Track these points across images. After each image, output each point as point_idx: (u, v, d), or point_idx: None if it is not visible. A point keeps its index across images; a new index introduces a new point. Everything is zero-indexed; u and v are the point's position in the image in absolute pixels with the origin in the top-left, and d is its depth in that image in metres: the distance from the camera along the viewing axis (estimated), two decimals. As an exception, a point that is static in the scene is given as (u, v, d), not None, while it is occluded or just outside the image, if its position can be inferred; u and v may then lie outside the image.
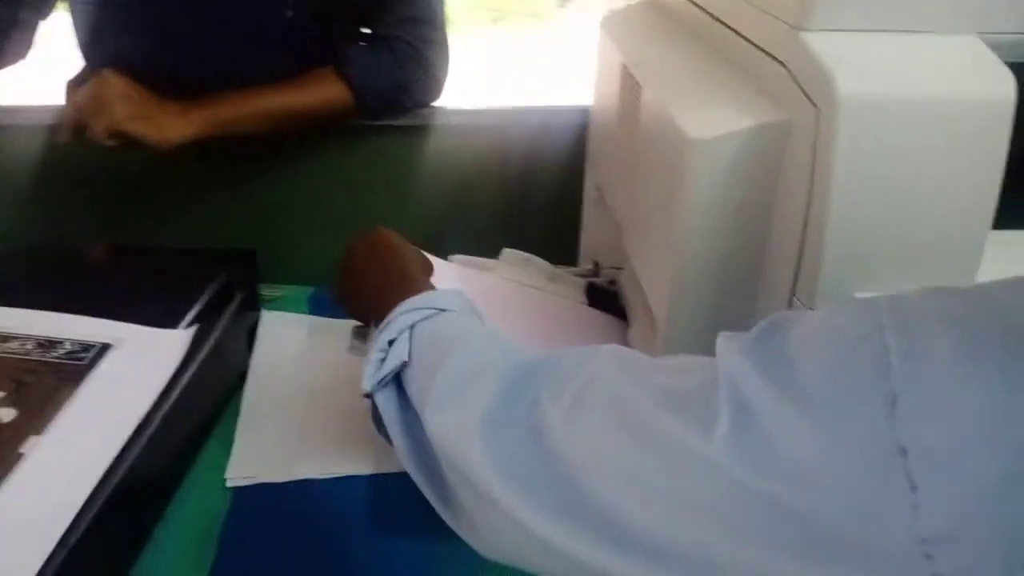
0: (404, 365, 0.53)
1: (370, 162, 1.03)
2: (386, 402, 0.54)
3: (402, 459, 0.54)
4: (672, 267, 0.55)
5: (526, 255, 0.87)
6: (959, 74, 0.45)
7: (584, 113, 0.94)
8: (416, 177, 1.03)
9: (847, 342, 0.32)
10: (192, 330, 0.76)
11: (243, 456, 0.79)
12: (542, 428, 0.40)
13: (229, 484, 0.76)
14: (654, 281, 0.62)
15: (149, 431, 0.67)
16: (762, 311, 0.54)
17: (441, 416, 0.48)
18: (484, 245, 0.95)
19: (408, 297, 0.57)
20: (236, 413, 0.84)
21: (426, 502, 0.74)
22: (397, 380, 0.55)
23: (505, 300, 0.82)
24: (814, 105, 0.46)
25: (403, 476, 0.76)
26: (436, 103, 1.03)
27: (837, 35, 0.46)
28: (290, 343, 0.94)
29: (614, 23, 0.75)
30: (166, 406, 0.70)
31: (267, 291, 1.03)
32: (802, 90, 0.47)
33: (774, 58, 0.51)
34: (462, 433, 0.44)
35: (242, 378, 0.89)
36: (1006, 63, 0.46)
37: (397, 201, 1.05)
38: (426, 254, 0.83)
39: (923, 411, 0.28)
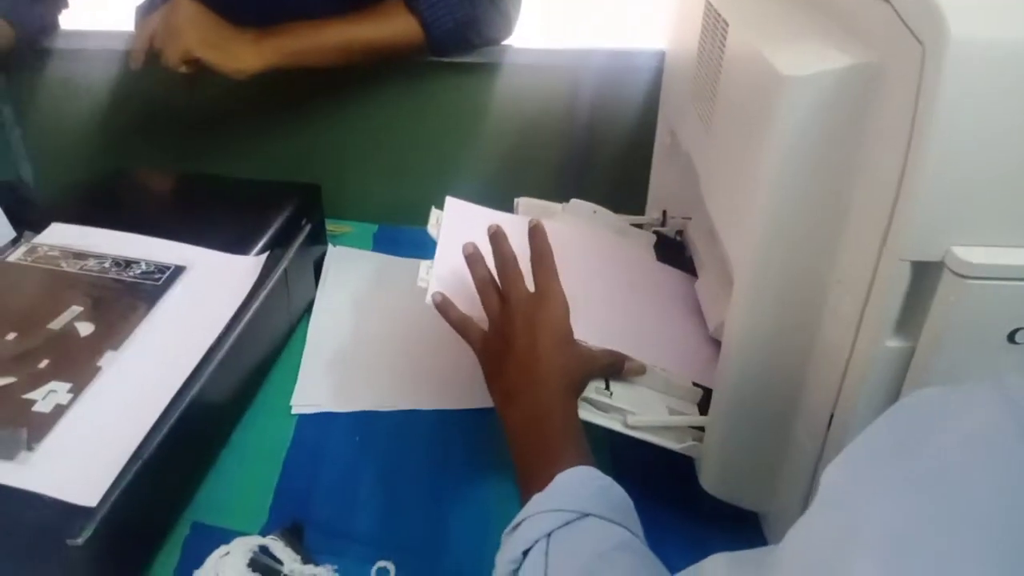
0: None
1: (438, 101, 1.02)
2: None
3: None
4: (756, 211, 0.53)
5: (594, 206, 0.86)
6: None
7: (659, 56, 0.91)
8: (484, 117, 1.02)
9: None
10: (263, 257, 0.77)
11: (308, 385, 0.81)
12: None
13: (294, 411, 0.78)
14: (733, 229, 0.60)
15: (220, 354, 0.69)
16: (848, 264, 0.52)
17: None
18: (550, 188, 0.94)
19: (554, 470, 0.52)
20: (302, 343, 0.86)
21: (481, 442, 0.75)
22: None
23: (571, 249, 0.81)
24: (919, 43, 0.43)
25: (460, 414, 0.78)
26: (506, 41, 1.01)
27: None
28: (355, 278, 0.95)
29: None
30: (236, 330, 0.72)
31: (334, 227, 1.04)
32: (907, 27, 0.44)
33: (877, -5, 0.48)
34: None
35: (309, 309, 0.90)
36: None
37: (464, 141, 1.04)
38: (495, 212, 0.82)
39: None
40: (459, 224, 0.79)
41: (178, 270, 0.73)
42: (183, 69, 0.89)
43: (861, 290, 0.50)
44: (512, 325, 0.62)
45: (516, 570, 0.49)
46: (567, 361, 0.61)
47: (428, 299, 0.68)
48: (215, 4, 0.91)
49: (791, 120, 0.49)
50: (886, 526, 0.29)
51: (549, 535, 0.49)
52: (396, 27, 0.95)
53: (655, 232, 0.90)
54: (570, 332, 0.63)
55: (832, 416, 0.55)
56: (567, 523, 0.49)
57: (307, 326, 0.88)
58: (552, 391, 0.59)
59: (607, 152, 1.02)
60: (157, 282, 0.72)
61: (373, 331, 0.88)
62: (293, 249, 0.83)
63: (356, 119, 1.05)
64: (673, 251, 0.87)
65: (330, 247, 0.99)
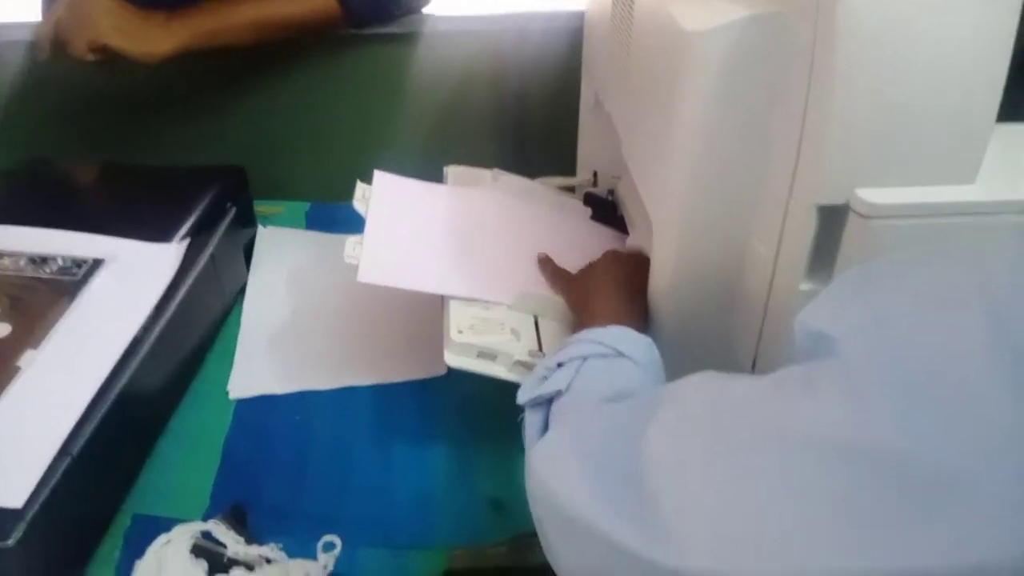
0: (559, 394, 0.52)
1: (362, 73, 1.00)
2: (532, 421, 0.53)
3: None
4: (671, 167, 0.53)
5: (521, 180, 0.86)
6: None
7: (579, 17, 0.91)
8: (408, 87, 1.00)
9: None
10: (185, 244, 0.75)
11: (244, 369, 0.80)
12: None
13: (232, 396, 0.77)
14: (652, 185, 0.61)
15: (147, 344, 0.68)
16: (763, 214, 0.53)
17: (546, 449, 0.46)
18: (480, 154, 0.94)
19: (603, 326, 0.55)
20: (237, 327, 0.85)
21: (421, 413, 0.75)
22: (548, 404, 0.53)
23: (503, 217, 0.81)
24: (812, -7, 0.44)
25: (399, 387, 0.78)
26: (425, 9, 0.99)
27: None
28: (288, 258, 0.94)
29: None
30: (163, 319, 0.70)
31: (265, 207, 1.02)
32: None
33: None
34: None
35: (242, 293, 0.89)
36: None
37: (390, 112, 1.02)
38: (424, 184, 0.82)
39: None
40: (388, 197, 0.79)
41: (97, 263, 0.72)
42: (91, 57, 0.86)
43: (774, 237, 0.51)
44: (600, 263, 0.69)
45: (545, 378, 0.53)
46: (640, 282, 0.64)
47: (360, 276, 0.68)
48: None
49: (698, 74, 0.49)
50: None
51: (585, 358, 0.53)
52: (312, 2, 0.93)
53: (587, 193, 0.90)
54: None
55: (755, 362, 0.56)
56: (604, 356, 0.53)
57: (241, 310, 0.87)
58: (634, 294, 0.62)
59: (535, 115, 1.01)
60: (76, 277, 0.70)
61: (308, 310, 0.87)
62: (218, 234, 0.82)
63: (280, 97, 1.03)
64: (606, 210, 0.88)
65: (260, 228, 0.97)
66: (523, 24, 0.97)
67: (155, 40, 0.87)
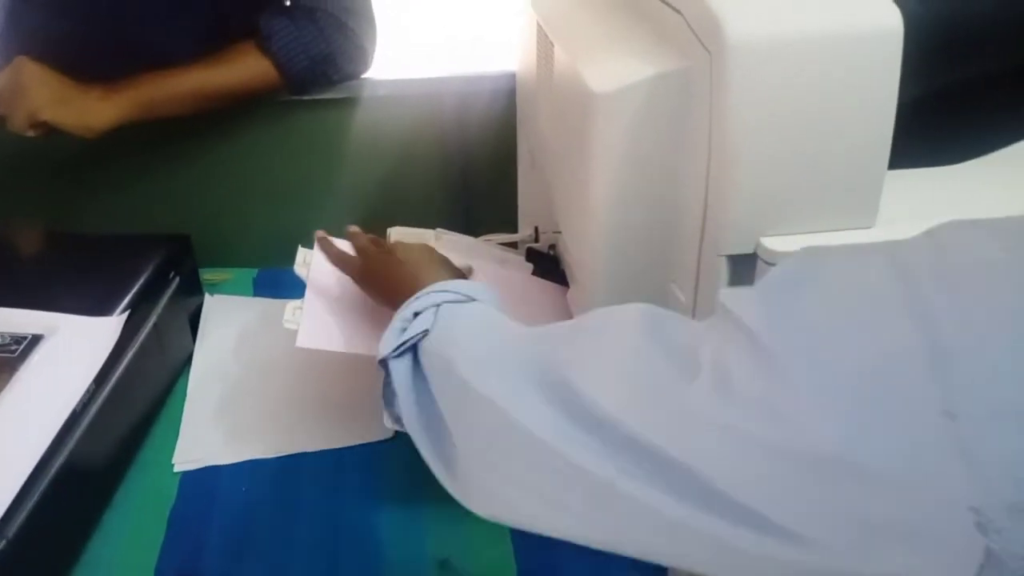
0: (424, 335, 0.54)
1: (303, 138, 1.02)
2: (400, 370, 0.55)
3: (408, 425, 0.55)
4: (589, 223, 0.55)
5: (464, 238, 0.88)
6: (847, 11, 0.45)
7: (512, 78, 0.93)
8: (351, 150, 1.02)
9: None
10: (124, 316, 0.75)
11: (190, 440, 0.79)
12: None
13: (176, 468, 0.76)
14: (577, 239, 0.63)
15: (87, 418, 0.67)
16: (680, 263, 0.54)
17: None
18: (424, 214, 0.95)
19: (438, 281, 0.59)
20: (184, 396, 0.84)
21: (369, 476, 0.75)
22: (413, 353, 0.55)
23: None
24: (707, 51, 0.46)
25: (348, 451, 0.78)
26: (365, 74, 1.02)
27: (729, -20, 0.46)
28: (235, 325, 0.94)
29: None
30: (104, 393, 0.70)
31: (212, 275, 1.02)
32: (696, 37, 0.47)
33: (671, 7, 0.51)
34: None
35: (188, 362, 0.88)
36: (896, -1, 0.46)
37: (334, 176, 1.04)
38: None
39: (975, 374, 0.28)
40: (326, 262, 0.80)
41: (35, 339, 0.71)
42: (31, 133, 0.87)
43: (691, 285, 0.53)
44: (387, 245, 0.71)
45: (404, 328, 0.56)
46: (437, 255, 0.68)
47: (299, 342, 0.68)
48: (59, 63, 0.89)
49: (607, 133, 0.51)
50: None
51: (439, 305, 0.56)
52: (250, 69, 0.95)
53: (529, 248, 0.92)
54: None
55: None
56: (457, 302, 0.56)
57: (188, 379, 0.86)
58: (436, 266, 0.65)
59: (477, 174, 1.03)
60: (13, 354, 0.70)
61: (254, 377, 0.87)
62: (161, 304, 0.82)
63: (224, 163, 1.04)
64: (548, 265, 0.89)
65: (207, 297, 0.97)
66: (461, 86, 0.99)
67: (94, 113, 0.88)
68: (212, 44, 0.94)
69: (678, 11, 0.50)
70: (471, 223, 0.92)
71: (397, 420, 0.57)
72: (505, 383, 0.44)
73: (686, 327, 0.41)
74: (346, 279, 0.78)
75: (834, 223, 0.49)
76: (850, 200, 0.48)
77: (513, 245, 0.93)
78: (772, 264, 0.48)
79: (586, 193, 0.55)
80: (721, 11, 0.45)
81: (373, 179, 1.04)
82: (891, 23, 0.45)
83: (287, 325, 0.69)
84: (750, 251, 0.49)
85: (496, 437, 0.44)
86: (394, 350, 0.55)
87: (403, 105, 1.00)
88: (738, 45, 0.44)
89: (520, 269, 0.88)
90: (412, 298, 0.58)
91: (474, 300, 0.56)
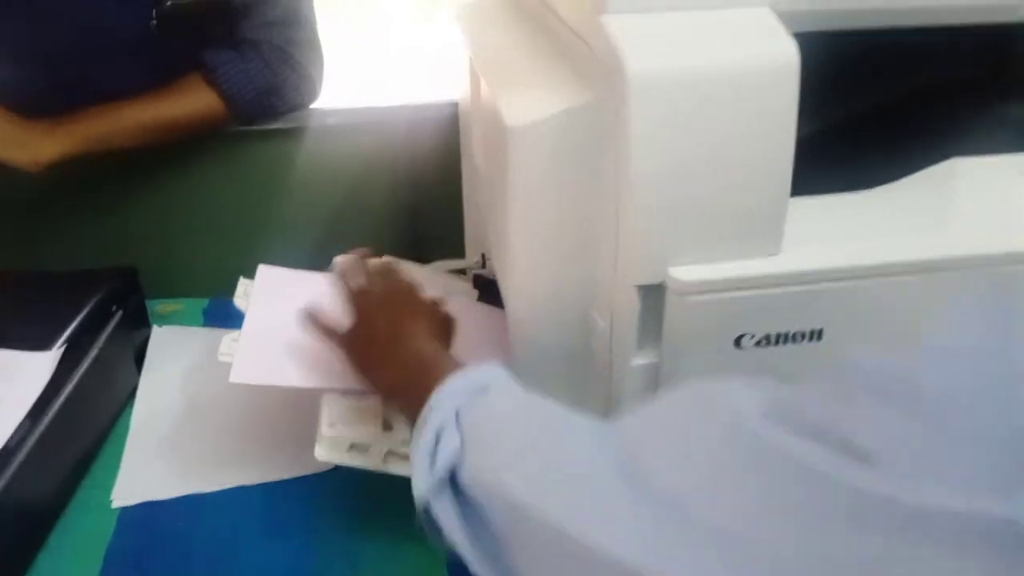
0: (459, 457, 0.46)
1: (252, 168, 1.02)
2: (445, 511, 0.46)
3: (475, 568, 0.45)
4: (509, 251, 0.56)
5: (410, 266, 0.88)
6: (745, 45, 0.46)
7: (454, 106, 0.94)
8: (299, 180, 1.02)
9: None
10: (61, 351, 0.75)
11: (129, 475, 0.79)
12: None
13: (115, 505, 0.75)
14: (501, 267, 0.63)
15: (19, 456, 0.66)
16: (598, 291, 0.55)
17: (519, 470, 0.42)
18: (372, 243, 0.95)
19: (437, 378, 0.51)
20: (127, 431, 0.83)
21: (310, 507, 0.74)
22: (451, 481, 0.47)
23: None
24: (612, 82, 0.47)
25: (289, 483, 0.77)
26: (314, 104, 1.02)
27: (632, 16, 0.47)
28: (181, 357, 0.94)
29: (467, 15, 0.76)
30: (38, 430, 0.69)
31: (163, 306, 1.02)
32: (603, 69, 0.48)
33: (584, 41, 0.52)
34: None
35: (133, 396, 0.88)
36: (798, 32, 0.47)
37: (282, 205, 1.04)
38: (311, 274, 0.83)
39: None
40: (270, 292, 0.80)
41: (-31, 376, 0.71)
42: (-27, 169, 0.87)
43: (608, 315, 0.53)
44: (368, 305, 0.65)
45: (433, 454, 0.47)
46: (426, 318, 0.63)
47: (233, 377, 0.68)
48: (4, 99, 0.89)
49: (522, 166, 0.52)
50: None
51: (457, 413, 0.48)
52: (197, 102, 0.95)
53: (475, 275, 0.92)
54: (420, 301, 0.66)
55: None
56: (472, 397, 0.49)
57: (131, 414, 0.86)
58: (422, 339, 0.59)
59: (425, 202, 1.04)
60: (-55, 392, 0.69)
61: (197, 410, 0.86)
62: (102, 339, 0.81)
63: (172, 194, 1.04)
64: (493, 292, 0.90)
65: (154, 329, 0.97)
66: (407, 115, 1.00)
67: (39, 148, 0.88)
68: (160, 78, 0.94)
69: (589, 46, 0.51)
70: (421, 250, 0.92)
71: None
72: (578, 503, 0.37)
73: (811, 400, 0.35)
74: (288, 308, 0.78)
75: (741, 252, 0.50)
76: (755, 229, 0.49)
77: (461, 272, 0.94)
78: (681, 294, 0.49)
79: (506, 222, 0.55)
80: (622, 46, 0.46)
81: (322, 208, 1.04)
82: (788, 57, 0.46)
83: (222, 358, 0.69)
84: (659, 281, 0.49)
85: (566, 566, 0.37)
86: (434, 486, 0.47)
87: (352, 134, 1.01)
88: (637, 80, 0.45)
89: (466, 295, 0.89)
90: (423, 414, 0.50)
91: (487, 387, 0.50)
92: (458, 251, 0.98)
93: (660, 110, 0.46)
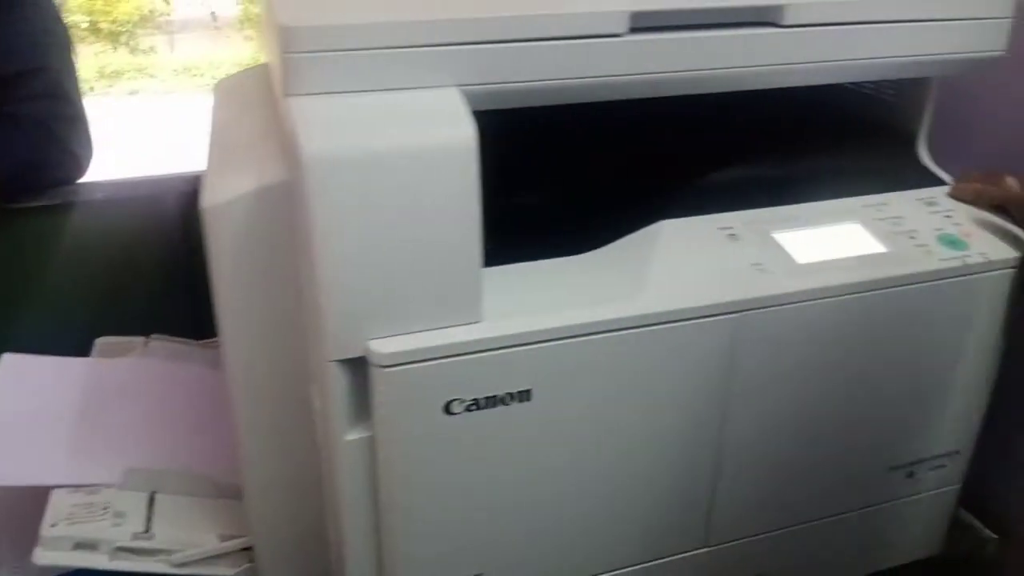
0: None
1: (16, 245, 0.96)
2: None
3: None
4: (221, 334, 0.55)
5: (176, 344, 0.85)
6: (424, 126, 0.48)
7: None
8: (67, 257, 0.97)
9: None
10: None
11: None
12: None
13: None
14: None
15: None
16: (313, 369, 0.55)
17: None
18: (146, 320, 0.92)
19: None
20: None
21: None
22: None
23: (148, 385, 0.80)
24: (298, 163, 0.47)
25: None
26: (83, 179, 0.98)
27: (318, 98, 0.48)
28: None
29: (221, 88, 0.75)
30: None
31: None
32: (292, 149, 0.49)
33: (286, 121, 0.52)
34: None
35: None
36: (483, 110, 0.50)
37: (45, 286, 0.98)
38: (63, 360, 0.79)
39: None
40: (12, 382, 0.75)
41: None
42: None
43: (320, 390, 0.53)
44: None
45: None
46: None
47: None
48: None
49: (217, 244, 0.52)
50: None
51: None
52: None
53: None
54: None
55: (337, 508, 0.57)
56: None
57: None
58: None
59: (202, 276, 1.01)
60: None
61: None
62: None
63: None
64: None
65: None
66: (181, 185, 0.97)
67: None
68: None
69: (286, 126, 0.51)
70: (198, 325, 0.88)
71: None
72: None
73: None
74: (30, 399, 0.74)
75: (441, 321, 0.51)
76: (451, 299, 0.50)
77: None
78: (382, 367, 0.49)
79: (217, 297, 0.55)
80: (300, 126, 0.46)
81: (93, 285, 0.99)
82: (464, 136, 0.48)
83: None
84: (360, 355, 0.50)
85: None
86: None
87: (123, 207, 0.97)
88: (313, 161, 0.46)
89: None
90: None
91: None
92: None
93: (338, 189, 0.46)
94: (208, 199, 0.51)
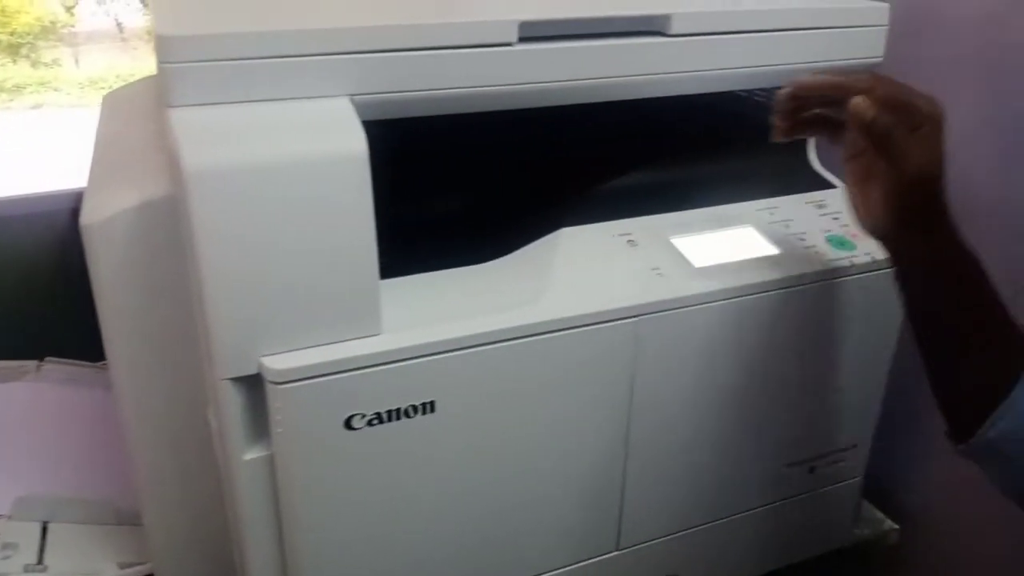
0: None
1: None
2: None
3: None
4: (108, 354, 0.53)
5: (72, 366, 0.82)
6: (312, 136, 0.47)
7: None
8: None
9: None
10: None
11: None
12: None
13: None
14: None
15: None
16: (208, 389, 0.53)
17: None
18: (39, 342, 0.88)
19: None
20: None
21: None
22: None
23: (40, 409, 0.76)
24: (181, 178, 0.46)
25: None
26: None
27: (201, 109, 0.47)
28: None
29: (109, 102, 0.73)
30: None
31: None
32: (175, 165, 0.47)
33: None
34: None
35: None
36: (376, 120, 0.49)
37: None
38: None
39: None
40: None
41: None
42: None
43: (216, 410, 0.52)
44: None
45: None
46: None
47: None
48: None
49: (98, 262, 0.50)
50: None
51: None
52: None
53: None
54: None
55: (239, 529, 0.55)
56: None
57: None
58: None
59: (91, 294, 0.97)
60: None
61: None
62: None
63: None
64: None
65: None
66: (75, 201, 0.93)
67: None
68: None
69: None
70: (95, 346, 0.85)
71: None
72: None
73: None
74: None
75: (339, 334, 0.50)
76: (349, 312, 0.50)
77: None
78: (277, 383, 0.48)
79: (101, 319, 0.53)
80: (182, 138, 0.45)
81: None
82: (354, 146, 0.47)
83: None
84: (254, 372, 0.48)
85: None
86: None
87: (13, 224, 0.92)
88: (195, 173, 0.44)
89: None
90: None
91: None
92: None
93: (223, 203, 0.45)
94: (87, 216, 0.49)
